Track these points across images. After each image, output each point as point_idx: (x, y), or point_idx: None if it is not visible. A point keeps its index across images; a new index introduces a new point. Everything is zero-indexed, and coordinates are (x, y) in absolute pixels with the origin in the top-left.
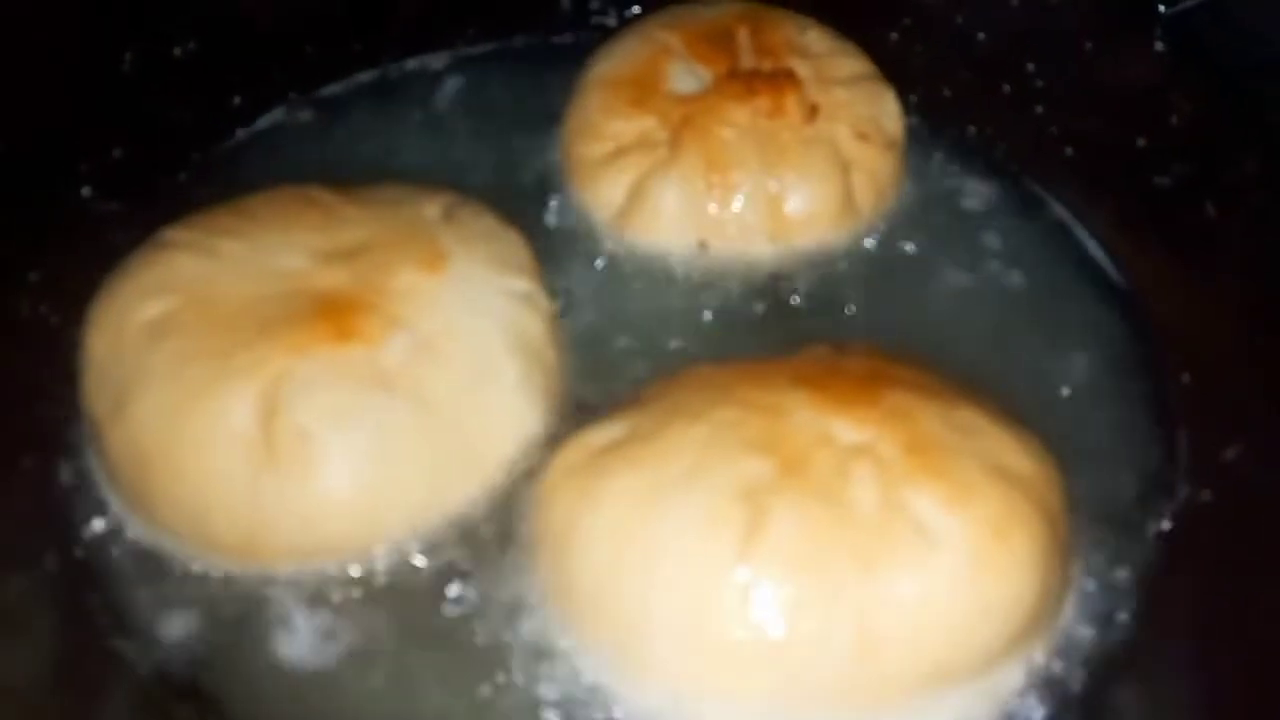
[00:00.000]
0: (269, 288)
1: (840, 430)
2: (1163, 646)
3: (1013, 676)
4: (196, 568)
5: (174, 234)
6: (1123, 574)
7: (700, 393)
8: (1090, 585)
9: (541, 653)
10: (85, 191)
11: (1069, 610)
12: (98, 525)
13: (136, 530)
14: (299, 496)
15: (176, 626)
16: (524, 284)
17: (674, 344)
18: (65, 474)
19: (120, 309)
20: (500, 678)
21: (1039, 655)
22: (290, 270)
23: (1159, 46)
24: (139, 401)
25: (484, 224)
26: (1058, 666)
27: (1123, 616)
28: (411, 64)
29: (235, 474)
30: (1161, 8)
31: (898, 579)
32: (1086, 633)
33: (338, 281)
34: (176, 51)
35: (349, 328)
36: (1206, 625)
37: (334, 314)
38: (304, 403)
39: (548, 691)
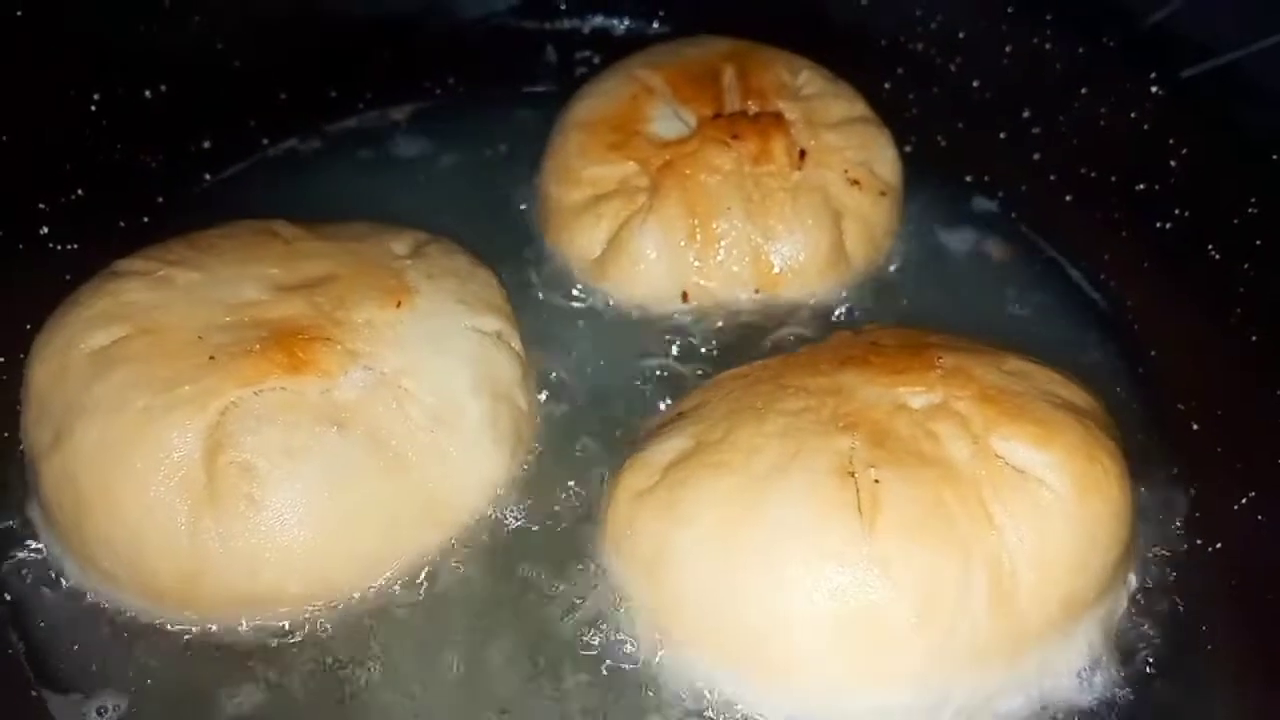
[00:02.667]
0: (222, 318)
1: (909, 397)
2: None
3: (1120, 601)
4: (132, 617)
5: (126, 264)
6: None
7: (750, 392)
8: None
9: (652, 683)
10: (43, 231)
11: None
12: (28, 568)
13: (71, 574)
14: (242, 538)
15: (107, 682)
16: (495, 323)
17: (654, 394)
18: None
19: (66, 338)
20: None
21: (1133, 579)
22: (246, 301)
23: (1156, 90)
24: (79, 433)
25: (455, 261)
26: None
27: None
28: (389, 112)
29: (175, 511)
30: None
31: (1017, 521)
32: None
33: (294, 312)
34: (147, 94)
35: (303, 358)
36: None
37: (287, 343)
38: (251, 437)
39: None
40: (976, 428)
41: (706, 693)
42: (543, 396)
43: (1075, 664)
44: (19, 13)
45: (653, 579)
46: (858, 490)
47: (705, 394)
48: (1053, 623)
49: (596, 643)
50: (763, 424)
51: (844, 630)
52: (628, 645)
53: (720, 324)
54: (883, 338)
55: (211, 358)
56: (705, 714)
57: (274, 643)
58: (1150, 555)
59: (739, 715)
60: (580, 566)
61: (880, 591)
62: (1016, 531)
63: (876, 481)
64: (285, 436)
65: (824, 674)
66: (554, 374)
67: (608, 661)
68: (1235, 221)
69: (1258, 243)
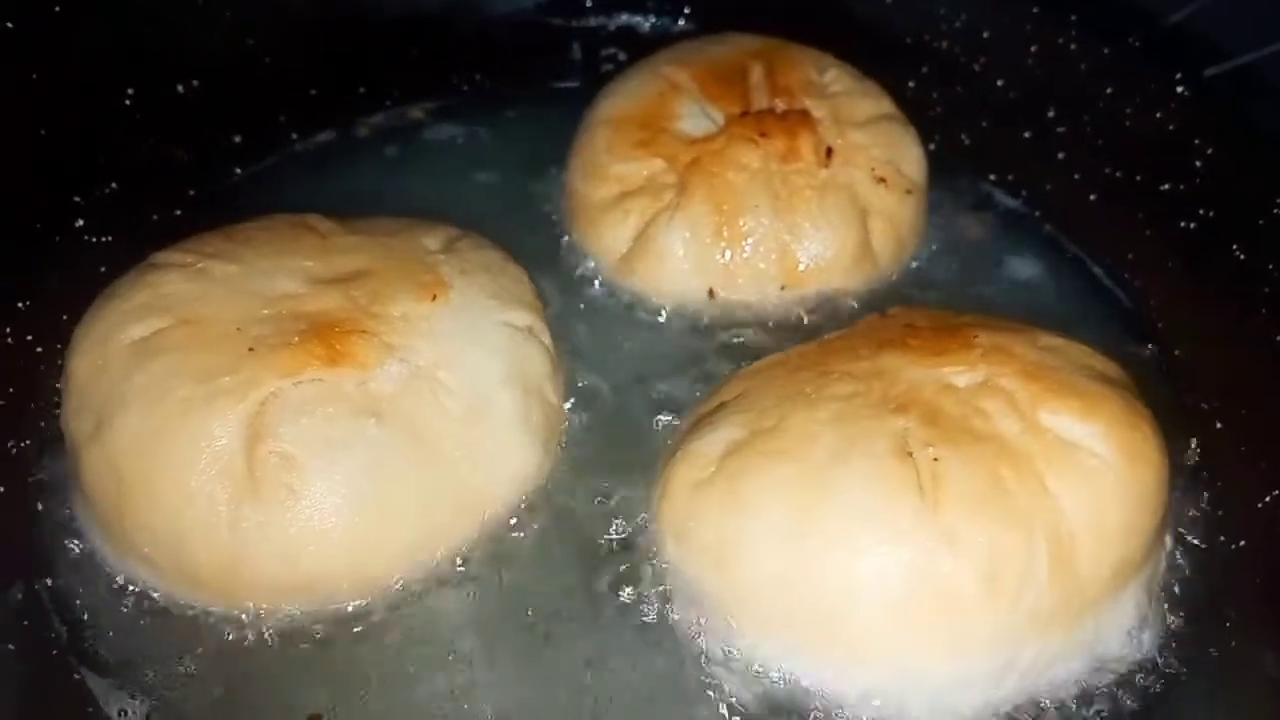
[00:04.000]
0: (260, 310)
1: (952, 376)
2: None
3: (1160, 562)
4: (172, 603)
5: (164, 256)
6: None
7: (793, 379)
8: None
9: (729, 670)
10: (79, 223)
11: None
12: (69, 555)
13: (111, 561)
14: (281, 527)
15: (147, 666)
16: (526, 318)
17: (680, 389)
18: (41, 504)
19: (106, 329)
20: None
21: (1169, 540)
22: (283, 294)
23: (1180, 90)
24: (120, 422)
25: (486, 256)
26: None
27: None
28: (417, 108)
29: (215, 500)
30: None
31: (1072, 492)
32: None
33: (331, 305)
34: (179, 88)
35: (340, 351)
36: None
37: (326, 336)
38: (290, 428)
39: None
40: (1023, 403)
41: (780, 675)
42: (570, 392)
43: (1126, 624)
44: (56, 8)
45: (720, 569)
46: (917, 470)
47: (743, 384)
48: (1107, 587)
49: (654, 629)
50: (815, 410)
51: (917, 607)
52: (691, 632)
53: (746, 320)
54: (915, 319)
55: (251, 349)
56: (780, 695)
57: (310, 630)
58: (1174, 551)
59: (813, 695)
60: (619, 556)
61: (950, 567)
62: (1072, 501)
63: (935, 460)
64: (324, 427)
65: (898, 650)
66: (582, 369)
67: (668, 649)
68: (1260, 221)
69: None
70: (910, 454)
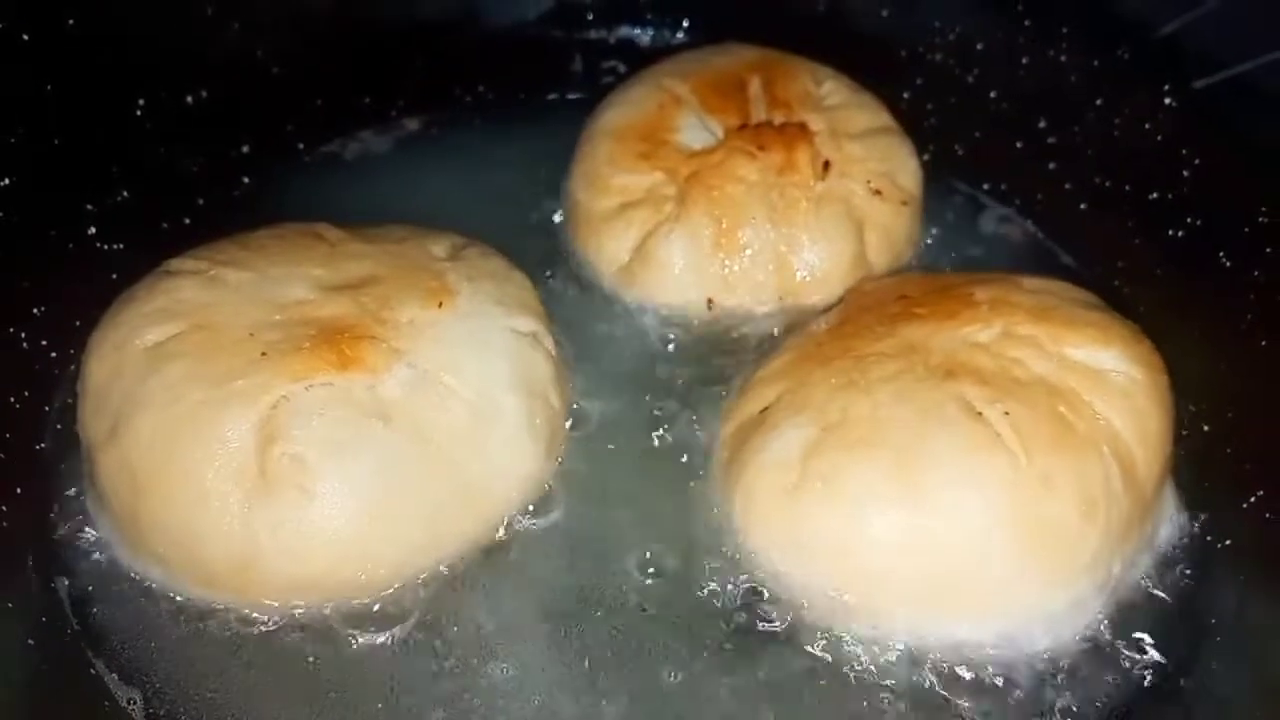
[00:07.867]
0: (273, 316)
1: (974, 335)
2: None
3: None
4: (184, 601)
5: (179, 263)
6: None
7: (830, 369)
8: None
9: (861, 652)
10: (90, 231)
11: None
12: (84, 553)
13: (125, 559)
14: (292, 526)
15: (160, 662)
16: (531, 323)
17: (679, 398)
18: (58, 504)
19: (122, 334)
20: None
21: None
22: (294, 300)
23: (1169, 102)
24: (135, 425)
25: (491, 264)
26: None
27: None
28: (421, 118)
29: (228, 500)
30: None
31: (1118, 411)
32: None
33: (341, 311)
34: (188, 99)
35: (350, 356)
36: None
37: (336, 341)
38: (302, 431)
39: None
40: (1047, 344)
41: (908, 643)
42: (573, 397)
43: (1169, 512)
44: (70, 21)
45: (841, 561)
46: (994, 426)
47: (775, 386)
48: (1157, 486)
49: (751, 622)
50: (873, 395)
51: (1033, 548)
52: (792, 624)
53: (745, 330)
54: (905, 289)
55: (263, 354)
56: (909, 662)
57: (320, 628)
58: (1162, 551)
59: (945, 653)
60: (626, 556)
61: (1054, 505)
62: (1120, 420)
63: (1006, 414)
64: (334, 430)
65: (1024, 590)
66: (584, 375)
67: (752, 646)
68: (1245, 230)
69: (1267, 250)
70: (980, 413)
